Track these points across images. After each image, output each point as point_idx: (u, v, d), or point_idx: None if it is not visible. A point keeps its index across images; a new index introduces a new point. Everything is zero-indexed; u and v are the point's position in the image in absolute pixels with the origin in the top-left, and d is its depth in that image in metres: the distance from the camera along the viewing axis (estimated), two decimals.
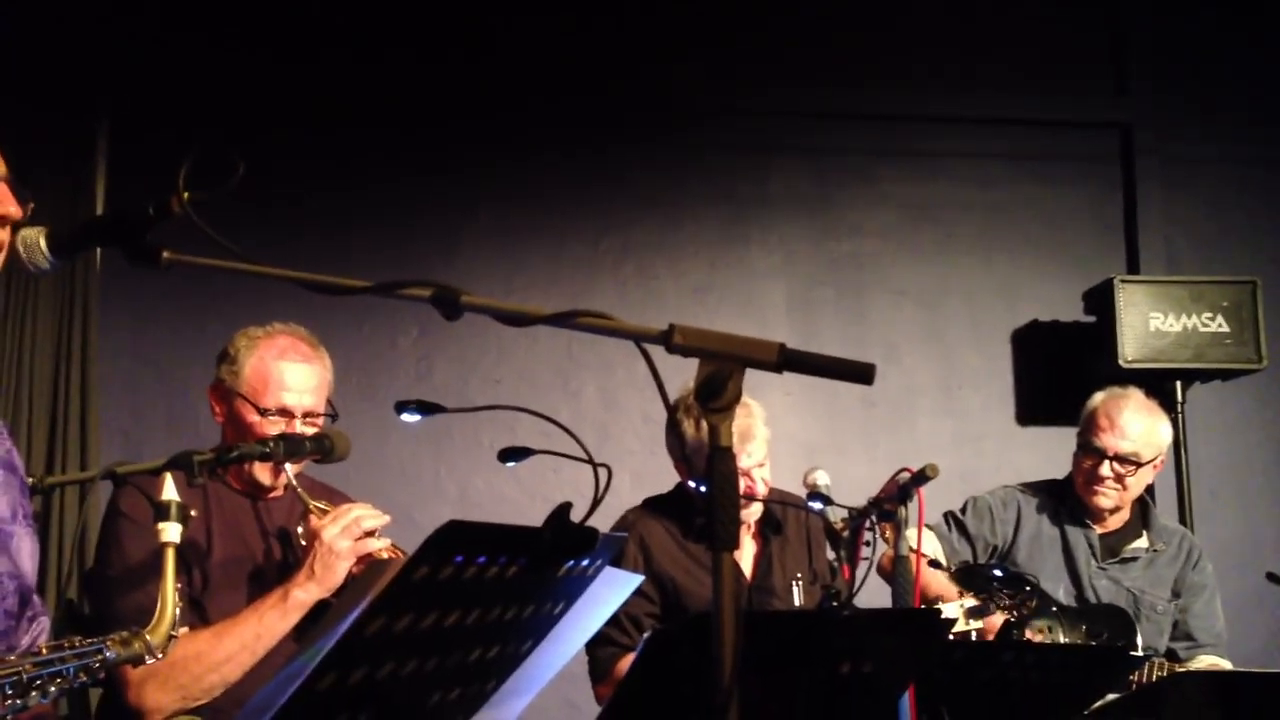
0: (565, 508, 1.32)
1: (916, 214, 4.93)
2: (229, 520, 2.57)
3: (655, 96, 4.78)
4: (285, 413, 2.57)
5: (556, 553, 1.31)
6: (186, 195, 1.55)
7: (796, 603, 3.05)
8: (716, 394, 1.40)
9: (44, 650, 1.56)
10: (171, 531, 1.75)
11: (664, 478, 3.45)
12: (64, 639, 1.61)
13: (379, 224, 4.62)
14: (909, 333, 4.84)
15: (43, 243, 1.56)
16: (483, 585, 1.24)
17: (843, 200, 4.90)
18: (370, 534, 2.41)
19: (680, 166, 4.82)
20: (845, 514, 2.83)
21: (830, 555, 3.14)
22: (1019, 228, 4.98)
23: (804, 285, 4.82)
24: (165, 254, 1.56)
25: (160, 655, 1.68)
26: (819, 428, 4.69)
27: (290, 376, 2.60)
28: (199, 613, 2.44)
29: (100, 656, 1.60)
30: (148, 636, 1.67)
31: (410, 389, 4.59)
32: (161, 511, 1.74)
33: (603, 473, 1.51)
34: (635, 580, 1.69)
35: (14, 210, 1.60)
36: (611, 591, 1.67)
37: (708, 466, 1.39)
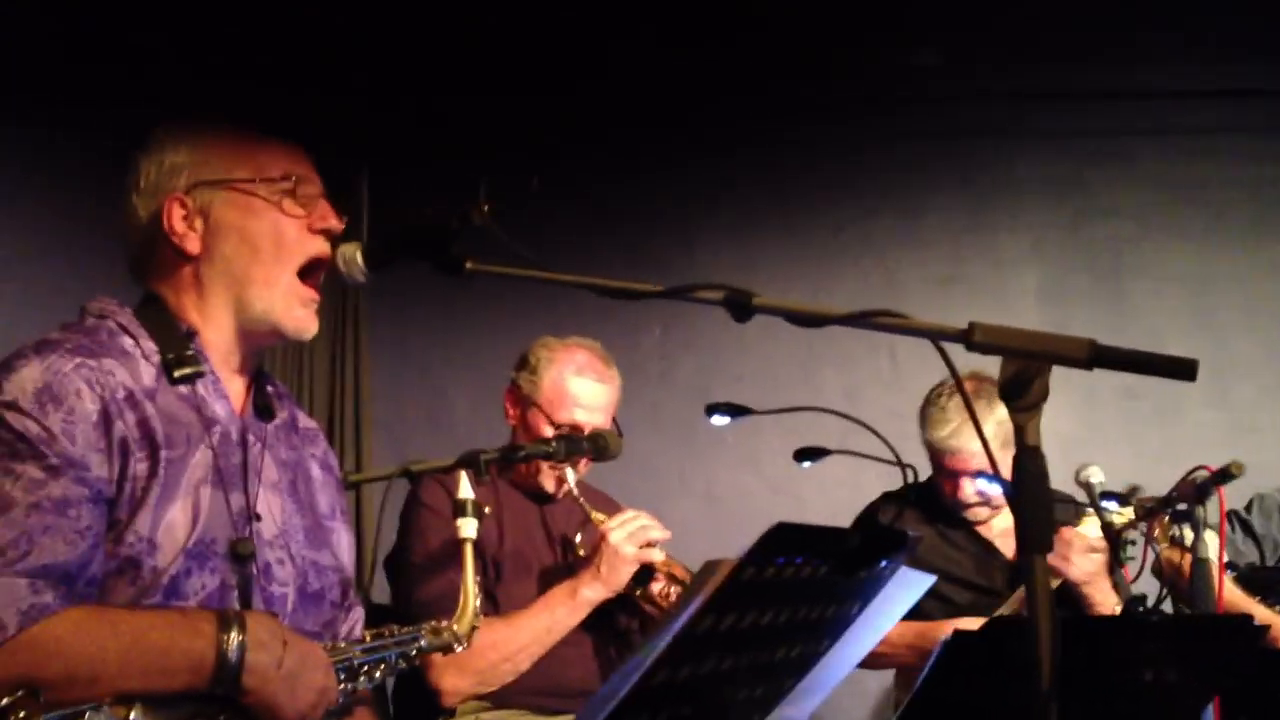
0: (875, 508, 1.30)
1: (1179, 194, 4.66)
2: (517, 519, 2.69)
3: (895, 82, 4.68)
4: (576, 428, 2.66)
5: (869, 553, 1.31)
6: (487, 207, 1.63)
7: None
8: (1022, 392, 1.37)
9: (368, 638, 1.68)
10: (469, 528, 1.84)
11: (908, 473, 3.38)
12: (383, 627, 1.72)
13: (619, 221, 4.72)
14: (1174, 320, 4.58)
15: (359, 257, 1.67)
16: (796, 585, 1.26)
17: (1097, 182, 4.68)
18: (652, 545, 2.49)
19: (922, 153, 4.71)
20: (1122, 512, 2.70)
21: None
22: None
23: (1057, 272, 4.63)
24: (468, 264, 1.63)
25: (465, 645, 1.77)
26: (1076, 421, 4.48)
27: (585, 394, 2.70)
28: (491, 603, 2.56)
29: (416, 644, 1.71)
30: (454, 627, 1.76)
31: (653, 387, 4.67)
32: (460, 508, 1.84)
33: (908, 473, 1.49)
34: (928, 580, 1.67)
35: (336, 223, 1.72)
36: (905, 592, 1.65)
37: (1015, 467, 1.35)
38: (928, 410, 3.03)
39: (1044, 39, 4.66)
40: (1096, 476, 2.80)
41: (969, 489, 2.95)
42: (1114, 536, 2.65)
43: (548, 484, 2.71)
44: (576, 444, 2.46)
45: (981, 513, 3.03)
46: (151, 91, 3.58)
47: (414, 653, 1.69)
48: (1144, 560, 2.97)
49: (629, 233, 4.71)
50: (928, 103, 4.69)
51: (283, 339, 1.73)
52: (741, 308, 1.50)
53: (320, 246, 1.70)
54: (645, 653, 1.10)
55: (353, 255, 1.66)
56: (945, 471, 3.01)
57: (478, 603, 1.79)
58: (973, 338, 1.37)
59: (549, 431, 2.64)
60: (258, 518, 1.63)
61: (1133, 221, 4.66)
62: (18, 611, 1.38)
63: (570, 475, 2.62)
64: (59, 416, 1.47)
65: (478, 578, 1.81)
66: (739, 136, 4.72)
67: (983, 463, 2.92)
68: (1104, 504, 2.63)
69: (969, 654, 1.61)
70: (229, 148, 1.69)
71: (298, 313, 1.69)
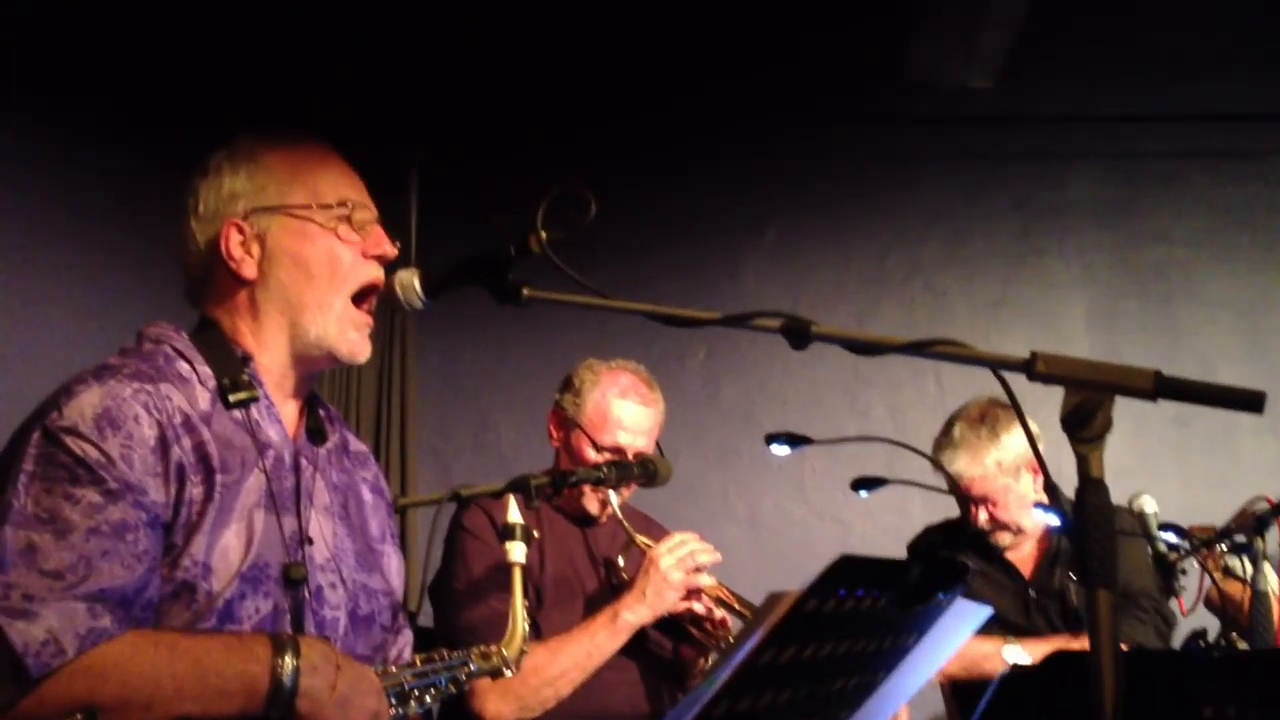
0: (932, 539, 1.29)
1: (1230, 219, 4.61)
2: (559, 543, 2.68)
3: (942, 105, 4.67)
4: (619, 451, 2.66)
5: (929, 585, 1.30)
6: (545, 235, 1.64)
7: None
8: (1085, 424, 1.35)
9: (418, 662, 1.68)
10: (517, 552, 1.84)
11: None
12: (433, 652, 1.72)
13: (664, 244, 4.72)
14: (1226, 347, 4.52)
15: (417, 284, 1.67)
16: (856, 617, 1.25)
17: (1147, 206, 4.64)
18: (700, 569, 2.47)
19: (970, 177, 4.70)
20: (1180, 542, 2.66)
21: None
22: None
23: (1106, 298, 4.59)
24: (525, 291, 1.64)
25: (515, 669, 1.76)
26: (1125, 449, 4.41)
27: (629, 417, 2.69)
28: (534, 629, 2.55)
29: (466, 669, 1.71)
30: (503, 650, 1.76)
31: (698, 409, 4.67)
32: (508, 532, 1.84)
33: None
34: (985, 612, 1.65)
35: (390, 250, 1.73)
36: (961, 623, 1.63)
37: (1077, 500, 1.34)
38: (939, 438, 3.01)
39: (1094, 61, 4.63)
40: (1150, 506, 2.76)
41: (982, 515, 2.93)
42: (1168, 567, 2.60)
43: (591, 507, 2.71)
44: (627, 469, 2.46)
45: (1004, 538, 2.99)
46: (200, 103, 3.64)
47: (463, 677, 1.68)
48: (1199, 592, 2.93)
49: (674, 255, 4.72)
50: (977, 125, 4.67)
51: (336, 363, 1.74)
52: (800, 336, 1.49)
53: (374, 272, 1.71)
54: (707, 684, 1.10)
55: (410, 281, 1.67)
56: (959, 498, 2.99)
57: (526, 626, 1.79)
58: (1035, 368, 1.35)
59: (593, 454, 2.64)
60: (310, 541, 1.64)
61: (1183, 246, 4.62)
62: (76, 635, 1.39)
63: (614, 498, 2.61)
64: (117, 441, 1.48)
65: (525, 601, 1.80)
66: (785, 159, 4.72)
67: (986, 488, 2.90)
68: (1163, 534, 2.58)
69: (1026, 689, 1.58)
70: (286, 173, 1.70)
71: (351, 336, 1.70)
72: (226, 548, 1.53)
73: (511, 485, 2.22)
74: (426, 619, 2.76)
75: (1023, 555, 3.05)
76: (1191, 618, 2.96)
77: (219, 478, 1.55)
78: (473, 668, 1.72)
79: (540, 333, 4.53)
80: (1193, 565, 2.88)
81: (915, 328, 4.56)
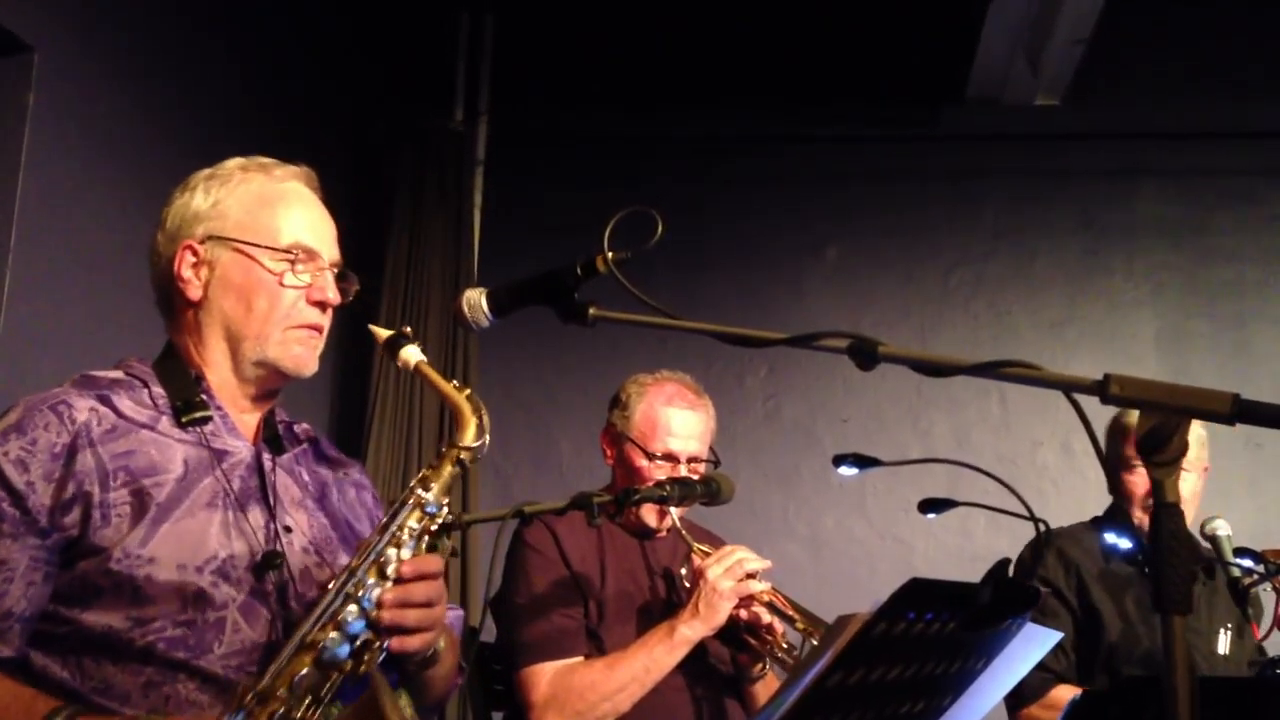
0: (1004, 564, 1.28)
1: None
2: (620, 558, 2.69)
3: (1007, 122, 4.63)
4: (671, 458, 2.67)
5: (999, 610, 1.28)
6: (611, 255, 1.65)
7: (1221, 651, 2.79)
8: (1161, 447, 1.33)
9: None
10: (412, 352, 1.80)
11: (1021, 522, 3.28)
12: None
13: (726, 261, 4.72)
14: None
15: (484, 303, 1.70)
16: (924, 641, 1.24)
17: (1219, 224, 4.55)
18: (751, 576, 2.46)
19: (1036, 194, 4.64)
20: (1254, 567, 2.60)
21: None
22: None
23: (1176, 317, 4.51)
24: (592, 311, 1.65)
25: (465, 457, 1.69)
26: None
27: (677, 423, 2.69)
28: (596, 643, 2.57)
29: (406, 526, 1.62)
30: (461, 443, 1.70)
31: (758, 427, 4.66)
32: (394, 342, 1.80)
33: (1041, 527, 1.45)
34: (1054, 637, 1.63)
35: (334, 299, 1.76)
36: (1029, 648, 1.61)
37: (1153, 524, 1.32)
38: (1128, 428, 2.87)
39: (1163, 77, 4.57)
40: (1224, 529, 2.71)
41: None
42: (1242, 593, 2.55)
43: (650, 519, 2.71)
44: (690, 488, 2.45)
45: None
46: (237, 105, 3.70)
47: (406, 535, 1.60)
48: (1275, 617, 2.86)
49: (736, 275, 4.71)
50: (1042, 142, 4.63)
51: (286, 379, 1.78)
52: (867, 356, 1.48)
53: (315, 316, 1.75)
54: (775, 706, 1.10)
55: (478, 301, 1.69)
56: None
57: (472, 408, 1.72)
58: (1108, 390, 1.33)
59: (645, 464, 2.65)
60: (288, 530, 1.69)
61: (1255, 265, 4.52)
62: None
63: (674, 510, 2.61)
64: (17, 446, 1.54)
65: (454, 382, 1.76)
66: (847, 178, 4.71)
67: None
68: (1240, 560, 2.53)
69: (1100, 716, 1.56)
70: (251, 207, 1.74)
71: (295, 351, 1.74)
72: (175, 540, 1.56)
73: (574, 503, 2.22)
74: (489, 635, 2.78)
75: None
76: (1266, 644, 2.90)
77: (156, 478, 1.59)
78: (414, 524, 1.63)
79: (601, 350, 4.55)
80: (1267, 590, 2.81)
81: (979, 348, 4.52)
